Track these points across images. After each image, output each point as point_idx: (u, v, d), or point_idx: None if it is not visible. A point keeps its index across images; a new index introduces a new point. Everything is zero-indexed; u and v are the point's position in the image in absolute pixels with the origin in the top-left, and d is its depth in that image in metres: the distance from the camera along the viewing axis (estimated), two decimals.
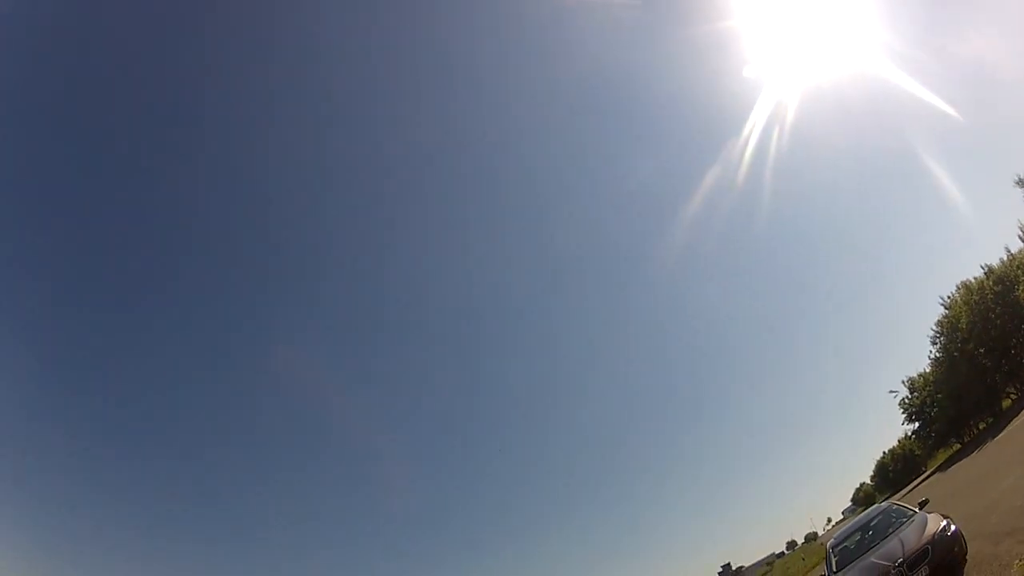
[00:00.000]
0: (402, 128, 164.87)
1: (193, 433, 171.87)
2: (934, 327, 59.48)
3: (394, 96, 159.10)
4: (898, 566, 12.42)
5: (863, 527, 16.59)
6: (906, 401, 67.49)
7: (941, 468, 56.48)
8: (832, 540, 17.96)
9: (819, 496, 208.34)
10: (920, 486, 55.23)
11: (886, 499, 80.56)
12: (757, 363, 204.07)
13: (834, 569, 15.52)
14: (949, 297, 57.87)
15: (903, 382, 66.72)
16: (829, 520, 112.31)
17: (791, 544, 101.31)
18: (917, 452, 72.96)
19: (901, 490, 67.95)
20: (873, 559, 13.65)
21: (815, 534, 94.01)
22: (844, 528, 18.44)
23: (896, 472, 78.02)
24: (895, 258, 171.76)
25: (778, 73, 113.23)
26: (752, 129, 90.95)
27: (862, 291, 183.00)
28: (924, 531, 13.00)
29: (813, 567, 49.41)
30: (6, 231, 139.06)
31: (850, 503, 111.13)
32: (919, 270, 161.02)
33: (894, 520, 15.36)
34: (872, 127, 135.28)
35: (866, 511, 18.61)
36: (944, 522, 12.94)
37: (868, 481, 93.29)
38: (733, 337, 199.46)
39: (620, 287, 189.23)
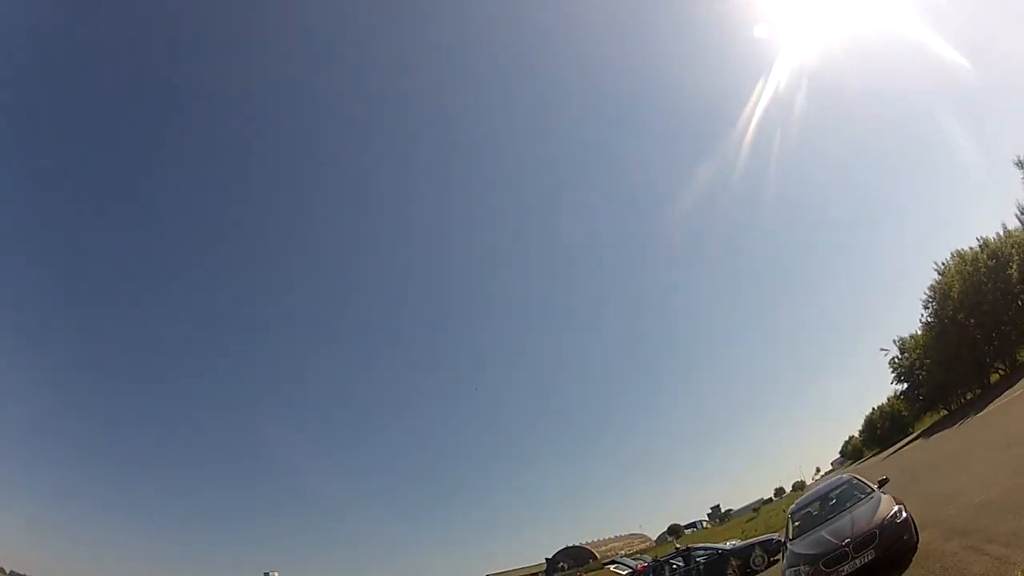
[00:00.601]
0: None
1: None
2: (927, 291, 59.13)
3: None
4: (844, 545, 13.18)
5: (823, 497, 17.36)
6: (896, 361, 67.57)
7: (925, 434, 57.26)
8: (794, 506, 18.56)
9: (812, 446, 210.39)
10: (903, 449, 56.17)
11: (854, 464, 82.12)
12: (760, 307, 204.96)
13: (790, 536, 16.31)
14: (944, 263, 57.16)
15: (894, 341, 66.55)
16: (818, 470, 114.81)
17: (779, 491, 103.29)
18: (904, 413, 73.36)
19: (887, 448, 68.91)
20: (824, 533, 14.37)
21: (803, 483, 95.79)
22: (806, 495, 19.01)
23: (883, 430, 78.55)
24: (907, 213, 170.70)
25: (791, 31, 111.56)
26: (766, 90, 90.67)
27: (870, 245, 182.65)
28: (876, 513, 13.63)
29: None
30: None
31: (839, 455, 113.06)
32: (930, 228, 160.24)
33: (853, 495, 16.03)
34: (888, 83, 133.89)
35: (829, 482, 19.20)
36: (896, 507, 13.46)
37: (857, 435, 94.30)
38: (741, 279, 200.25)
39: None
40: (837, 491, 17.10)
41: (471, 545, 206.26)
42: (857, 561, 12.93)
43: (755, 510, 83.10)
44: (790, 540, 16.28)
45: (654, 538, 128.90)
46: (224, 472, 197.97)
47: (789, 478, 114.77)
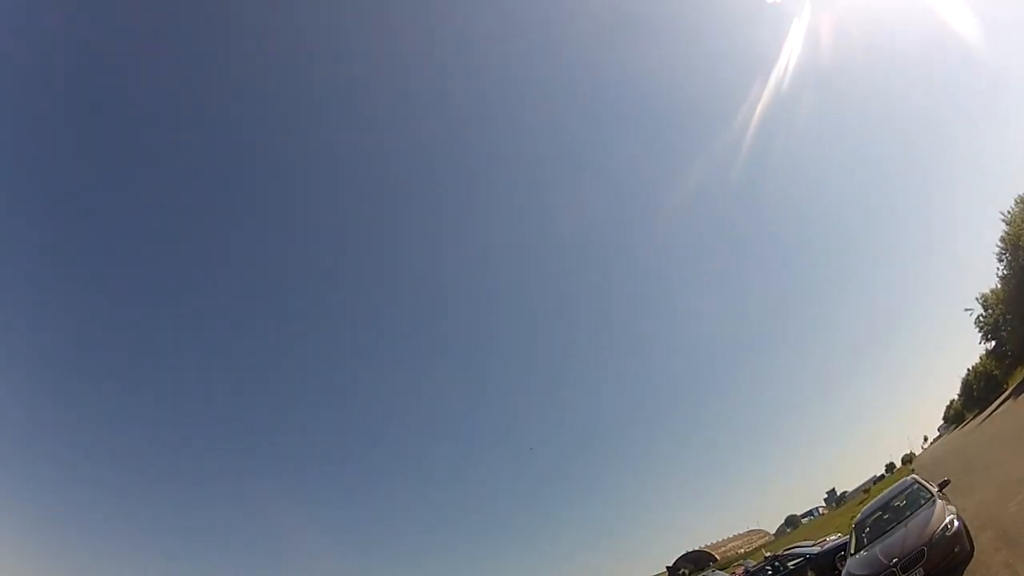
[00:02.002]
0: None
1: None
2: (998, 243, 54.69)
3: None
4: (892, 565, 12.38)
5: (884, 506, 16.49)
6: (981, 319, 63.29)
7: (1015, 392, 53.47)
8: (859, 516, 17.74)
9: (916, 414, 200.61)
10: (996, 412, 52.70)
11: (956, 428, 77.77)
12: (844, 279, 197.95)
13: (851, 551, 15.53)
14: (1009, 212, 52.75)
15: (977, 299, 63.13)
16: (925, 439, 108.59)
17: (890, 466, 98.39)
18: (995, 371, 69.17)
19: (985, 409, 64.99)
20: (878, 550, 13.61)
21: (911, 455, 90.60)
22: (871, 504, 18.27)
23: (979, 390, 74.36)
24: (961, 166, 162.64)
25: None
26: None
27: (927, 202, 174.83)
28: (927, 526, 12.81)
29: None
30: None
31: (942, 421, 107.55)
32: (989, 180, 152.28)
33: (912, 502, 15.19)
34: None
35: (892, 487, 18.14)
36: (948, 518, 12.64)
37: (956, 398, 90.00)
38: (825, 252, 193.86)
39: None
40: (898, 498, 16.28)
41: (590, 561, 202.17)
42: None
43: (866, 491, 79.05)
44: (851, 555, 15.55)
45: (773, 532, 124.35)
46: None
47: (898, 451, 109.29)
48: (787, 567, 25.59)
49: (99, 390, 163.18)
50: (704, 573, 38.96)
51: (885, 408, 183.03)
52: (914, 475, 17.51)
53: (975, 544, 12.38)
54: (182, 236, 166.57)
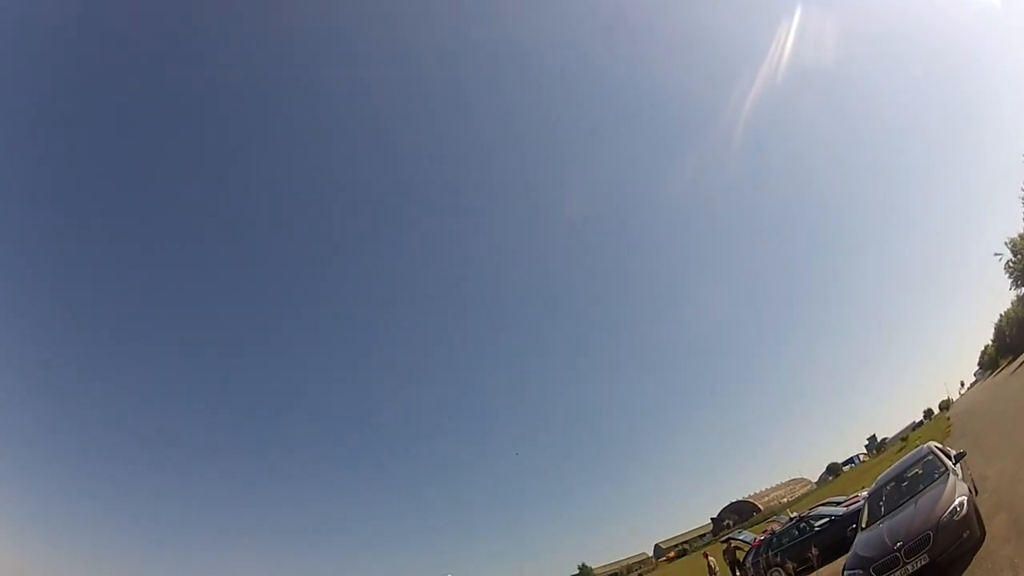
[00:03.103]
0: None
1: None
2: (1023, 187, 53.29)
3: None
4: (896, 549, 11.39)
5: (898, 476, 15.10)
6: (1011, 264, 60.97)
7: None
8: (873, 486, 16.40)
9: (953, 360, 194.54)
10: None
11: (991, 375, 74.80)
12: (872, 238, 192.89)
13: (862, 525, 14.34)
14: None
15: (1006, 244, 60.64)
16: (962, 384, 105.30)
17: (927, 412, 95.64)
18: None
19: (1019, 356, 62.59)
20: (884, 529, 12.57)
21: (948, 401, 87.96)
22: (885, 473, 16.54)
23: (1012, 336, 71.63)
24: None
25: None
26: None
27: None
28: (936, 507, 11.62)
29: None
30: None
31: (977, 367, 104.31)
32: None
33: (927, 474, 13.94)
34: None
35: (908, 456, 16.71)
36: (958, 500, 11.38)
37: (990, 344, 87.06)
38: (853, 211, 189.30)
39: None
40: (912, 468, 14.91)
41: (638, 518, 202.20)
42: (908, 567, 11.15)
43: (903, 439, 76.54)
44: (861, 529, 14.33)
45: (815, 480, 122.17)
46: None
47: (937, 396, 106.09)
48: (813, 528, 24.37)
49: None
50: (731, 534, 37.70)
51: (923, 353, 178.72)
52: (931, 443, 16.15)
53: (986, 529, 11.23)
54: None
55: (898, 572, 11.11)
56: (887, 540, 11.80)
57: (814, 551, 20.87)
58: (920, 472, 14.37)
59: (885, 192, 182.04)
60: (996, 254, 61.66)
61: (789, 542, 24.31)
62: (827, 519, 24.13)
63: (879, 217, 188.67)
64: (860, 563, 12.14)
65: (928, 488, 12.97)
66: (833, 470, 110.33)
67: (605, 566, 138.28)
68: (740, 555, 28.85)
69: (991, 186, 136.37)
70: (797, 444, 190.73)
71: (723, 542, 34.95)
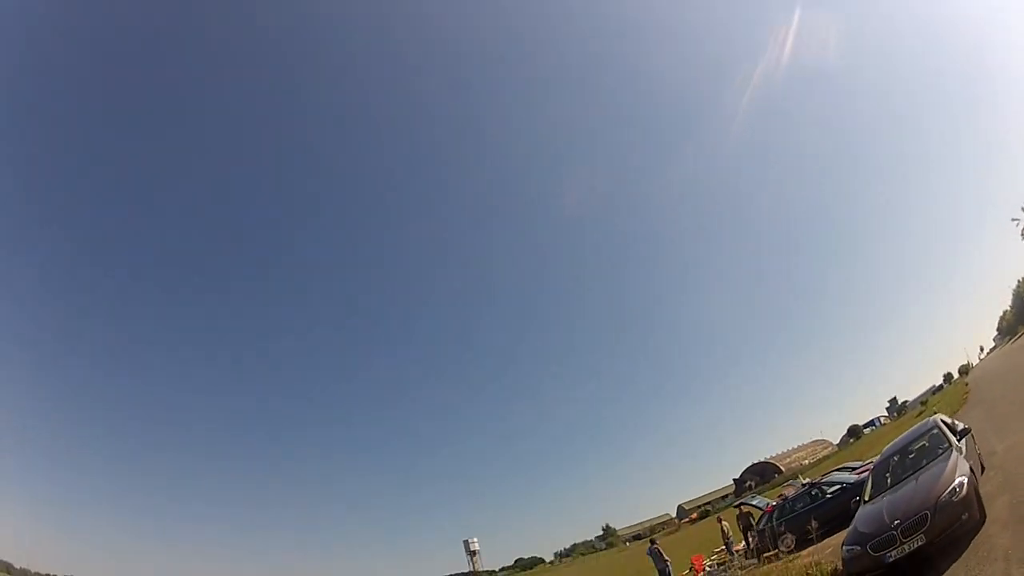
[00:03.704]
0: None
1: None
2: None
3: None
4: (893, 528, 10.95)
5: (902, 450, 14.59)
6: None
7: None
8: (878, 458, 15.97)
9: (972, 324, 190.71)
10: None
11: (1009, 341, 72.94)
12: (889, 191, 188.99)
13: (864, 499, 13.89)
14: None
15: (1023, 209, 59.13)
16: (981, 349, 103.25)
17: (947, 376, 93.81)
18: None
19: None
20: (884, 505, 12.10)
21: (967, 366, 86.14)
22: (890, 445, 15.88)
23: None
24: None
25: None
26: None
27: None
28: (935, 486, 11.14)
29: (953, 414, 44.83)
30: None
31: (996, 332, 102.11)
32: None
33: (930, 450, 13.46)
34: None
35: (913, 428, 16.04)
36: (958, 480, 10.88)
37: (1008, 309, 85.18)
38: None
39: None
40: (917, 443, 14.42)
41: (662, 481, 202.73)
42: (905, 547, 10.71)
43: (923, 403, 75.31)
44: (864, 502, 13.85)
45: (836, 442, 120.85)
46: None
47: (956, 360, 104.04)
48: (825, 495, 23.86)
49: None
50: (744, 500, 37.29)
51: (945, 316, 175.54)
52: (938, 416, 15.52)
53: (987, 512, 10.75)
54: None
55: (894, 551, 10.72)
56: (886, 517, 11.39)
57: (814, 524, 20.44)
58: (925, 445, 13.91)
59: (911, 155, 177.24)
60: (1014, 219, 60.27)
61: (802, 507, 23.83)
62: (838, 486, 23.62)
63: (901, 181, 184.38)
64: (858, 539, 11.76)
65: (931, 464, 12.51)
66: (854, 432, 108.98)
67: (629, 527, 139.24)
68: (753, 521, 28.53)
69: (1009, 148, 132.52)
70: (819, 406, 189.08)
71: (736, 507, 34.59)
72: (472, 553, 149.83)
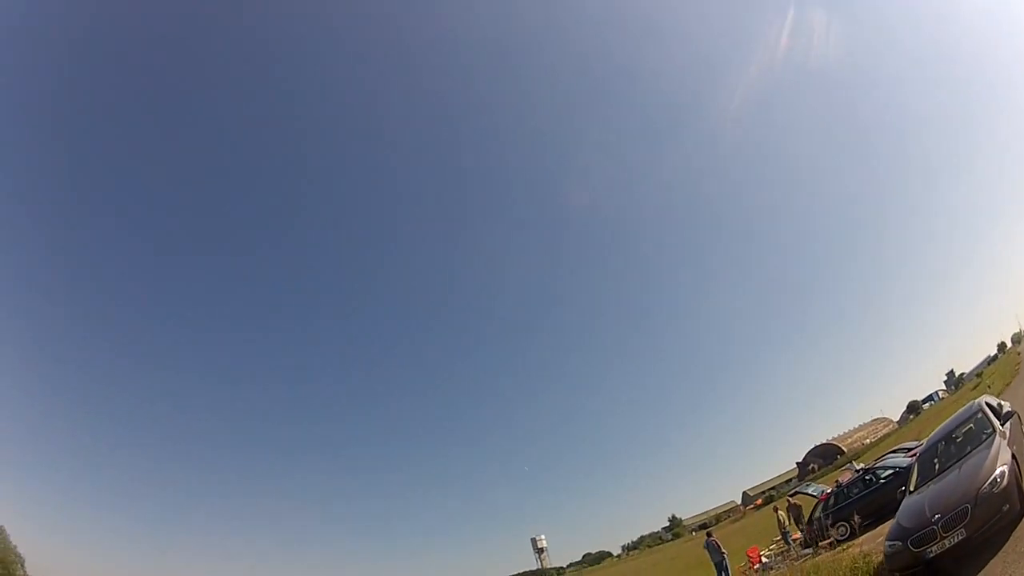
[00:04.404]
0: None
1: None
2: None
3: None
4: (933, 522, 10.45)
5: (947, 436, 13.89)
6: None
7: None
8: (922, 446, 15.35)
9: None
10: None
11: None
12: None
13: (910, 488, 13.37)
14: None
15: None
16: None
17: (1001, 346, 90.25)
18: None
19: None
20: (926, 501, 11.49)
21: (1020, 335, 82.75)
22: (934, 433, 15.19)
23: None
24: None
25: None
26: None
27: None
28: (977, 476, 10.58)
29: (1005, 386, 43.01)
30: None
31: None
32: None
33: (974, 435, 12.78)
34: None
35: (959, 412, 15.16)
36: (1000, 469, 10.33)
37: None
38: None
39: None
40: (963, 428, 13.65)
41: (727, 469, 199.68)
42: (946, 542, 10.26)
43: (978, 375, 72.49)
44: (908, 492, 13.34)
45: (896, 419, 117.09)
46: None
47: (1008, 330, 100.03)
48: (878, 480, 23.09)
49: None
50: (798, 488, 36.45)
51: (998, 282, 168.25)
52: (982, 398, 14.70)
53: None
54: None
55: (935, 547, 10.26)
56: (927, 511, 10.90)
57: (856, 519, 19.85)
58: (971, 429, 13.21)
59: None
60: None
61: (857, 494, 23.19)
62: (892, 471, 22.85)
63: (952, 151, 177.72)
64: (899, 534, 11.32)
65: (974, 451, 11.91)
66: (913, 408, 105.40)
67: (695, 516, 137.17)
68: (802, 513, 27.88)
69: None
70: (877, 384, 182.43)
71: (790, 496, 33.71)
72: (540, 550, 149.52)
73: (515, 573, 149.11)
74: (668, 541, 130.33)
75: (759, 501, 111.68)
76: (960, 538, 9.93)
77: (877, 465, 25.40)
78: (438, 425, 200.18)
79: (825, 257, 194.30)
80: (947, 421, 15.36)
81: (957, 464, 11.96)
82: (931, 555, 10.24)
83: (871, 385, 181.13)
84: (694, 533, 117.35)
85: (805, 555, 22.73)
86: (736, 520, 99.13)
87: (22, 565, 61.44)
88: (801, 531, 26.57)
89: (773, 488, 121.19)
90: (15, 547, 60.68)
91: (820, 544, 22.29)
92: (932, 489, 11.77)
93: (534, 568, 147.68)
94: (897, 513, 12.49)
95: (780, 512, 29.95)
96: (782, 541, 28.91)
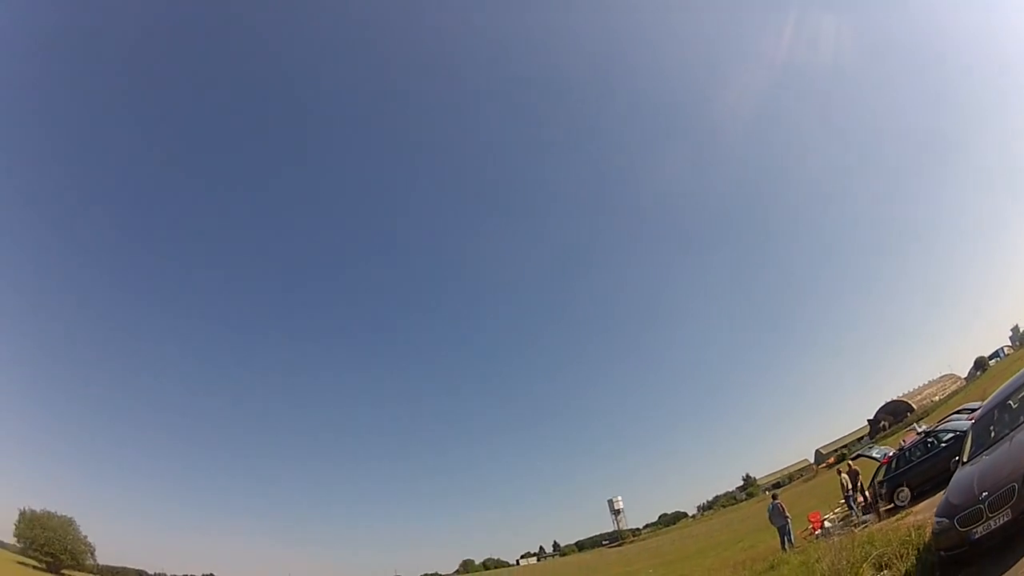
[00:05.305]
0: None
1: None
2: None
3: None
4: (980, 501, 9.29)
5: (1002, 403, 11.92)
6: None
7: None
8: (980, 411, 13.77)
9: None
10: None
11: None
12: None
13: (964, 459, 11.88)
14: None
15: None
16: None
17: None
18: None
19: None
20: (975, 476, 10.19)
21: None
22: (992, 396, 13.37)
23: None
24: None
25: None
26: None
27: None
28: None
29: None
30: None
31: None
32: None
33: None
34: None
35: (1015, 376, 12.90)
36: None
37: None
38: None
39: None
40: (1019, 394, 11.64)
41: (800, 427, 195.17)
42: (991, 523, 9.08)
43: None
44: (961, 464, 11.92)
45: (964, 376, 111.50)
46: None
47: None
48: (940, 443, 21.96)
49: None
50: (860, 451, 35.16)
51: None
52: None
53: None
54: None
55: (980, 527, 9.23)
56: (975, 487, 9.76)
57: (905, 490, 18.89)
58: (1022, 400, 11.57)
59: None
60: None
61: (919, 457, 22.10)
62: (952, 434, 21.71)
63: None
64: (947, 511, 10.22)
65: None
66: (980, 364, 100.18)
67: (768, 475, 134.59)
68: (860, 478, 26.95)
69: None
70: (947, 338, 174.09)
71: (852, 459, 32.59)
72: (616, 512, 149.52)
73: (593, 534, 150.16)
74: (742, 501, 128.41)
75: (831, 459, 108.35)
76: (1005, 519, 8.90)
77: (939, 427, 24.22)
78: (541, 399, 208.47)
79: (890, 219, 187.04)
80: (1006, 383, 13.32)
81: (1010, 435, 10.63)
82: (976, 536, 9.30)
83: (939, 340, 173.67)
84: (766, 492, 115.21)
85: (865, 521, 21.93)
86: (808, 479, 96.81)
87: (92, 555, 63.60)
88: (864, 496, 25.66)
89: (845, 446, 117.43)
90: (85, 537, 61.98)
91: (881, 510, 21.49)
92: (984, 461, 10.56)
93: (611, 529, 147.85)
94: (948, 487, 11.39)
95: (844, 475, 28.97)
96: (845, 505, 27.98)
